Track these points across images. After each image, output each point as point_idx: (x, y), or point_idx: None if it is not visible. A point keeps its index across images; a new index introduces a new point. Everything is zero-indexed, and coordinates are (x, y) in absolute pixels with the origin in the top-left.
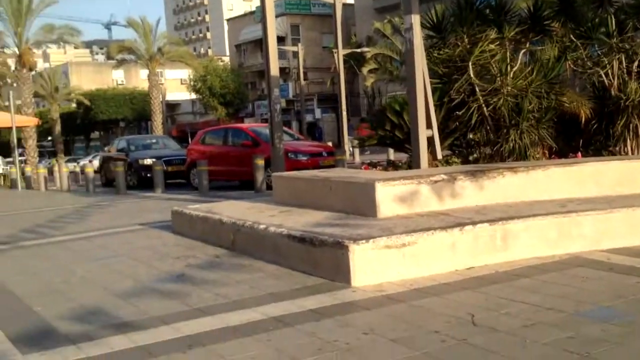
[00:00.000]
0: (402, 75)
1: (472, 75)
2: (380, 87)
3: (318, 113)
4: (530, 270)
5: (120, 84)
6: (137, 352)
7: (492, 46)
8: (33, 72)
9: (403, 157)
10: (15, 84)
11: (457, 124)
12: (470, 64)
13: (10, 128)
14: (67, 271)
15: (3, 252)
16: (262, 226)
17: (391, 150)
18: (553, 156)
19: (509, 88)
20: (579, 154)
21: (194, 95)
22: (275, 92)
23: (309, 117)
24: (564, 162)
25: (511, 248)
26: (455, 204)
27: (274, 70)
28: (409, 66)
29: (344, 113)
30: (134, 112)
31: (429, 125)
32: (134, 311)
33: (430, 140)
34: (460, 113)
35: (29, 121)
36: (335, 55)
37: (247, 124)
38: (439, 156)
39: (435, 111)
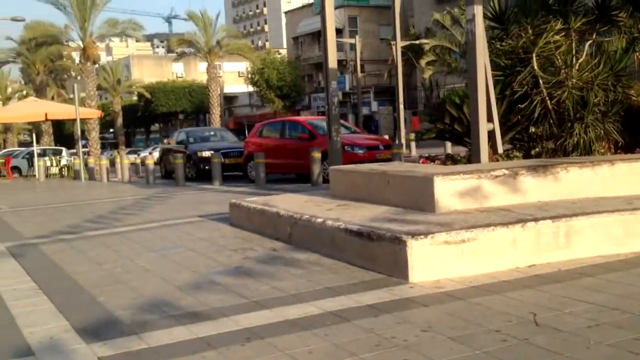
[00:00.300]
0: (462, 68)
1: (535, 68)
2: (439, 80)
3: (374, 106)
4: (594, 269)
5: (179, 77)
6: (197, 343)
7: (557, 37)
8: (96, 66)
9: (461, 150)
10: (79, 77)
11: (519, 117)
12: (534, 55)
13: (74, 120)
14: (129, 262)
15: (67, 242)
16: (319, 220)
17: (449, 144)
18: (619, 151)
19: (574, 80)
20: None
21: (251, 88)
22: (333, 85)
23: (365, 110)
24: (631, 157)
25: (575, 246)
26: (516, 199)
27: (332, 63)
28: (470, 58)
29: (401, 106)
30: (192, 105)
31: (489, 119)
32: (193, 302)
33: (491, 134)
34: (522, 106)
35: (93, 113)
36: (393, 47)
37: (304, 117)
38: (500, 150)
39: (497, 104)
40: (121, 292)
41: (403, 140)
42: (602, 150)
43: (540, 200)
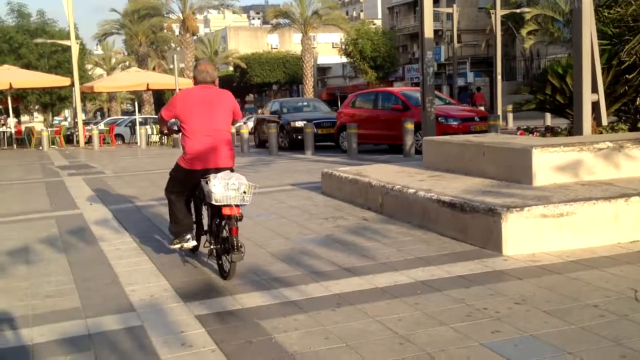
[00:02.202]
0: (565, 37)
1: None
2: (540, 50)
3: (470, 77)
4: None
5: (274, 48)
6: (289, 306)
7: None
8: (195, 37)
9: (562, 123)
10: (179, 48)
11: (626, 88)
12: None
13: (174, 90)
14: None
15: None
16: (411, 190)
17: (548, 116)
18: None
19: None
20: None
21: (344, 59)
22: (429, 55)
23: (460, 81)
24: None
25: None
26: (620, 173)
27: (428, 33)
28: (575, 26)
29: (499, 77)
30: (286, 76)
31: (594, 89)
32: (285, 268)
33: (595, 106)
34: (630, 77)
35: (191, 84)
36: (493, 16)
37: (398, 88)
38: (604, 122)
39: (602, 74)
40: None
41: (500, 112)
42: None
43: None
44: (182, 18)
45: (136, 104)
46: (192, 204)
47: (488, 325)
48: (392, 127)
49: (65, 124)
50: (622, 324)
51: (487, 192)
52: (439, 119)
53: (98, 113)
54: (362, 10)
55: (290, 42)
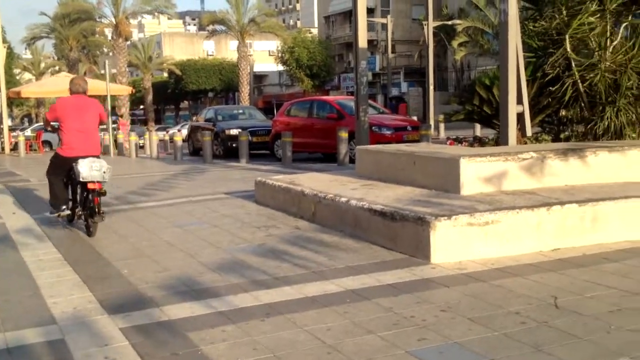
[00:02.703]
0: (494, 49)
1: (568, 50)
2: (470, 61)
3: (404, 87)
4: (620, 254)
5: (210, 55)
6: (217, 317)
7: (591, 19)
8: (128, 42)
9: (490, 133)
10: (111, 54)
11: (550, 100)
12: (567, 37)
13: (105, 96)
14: (154, 236)
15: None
16: (343, 199)
17: (478, 126)
18: None
19: (608, 63)
20: None
21: (281, 67)
22: (363, 65)
23: (394, 91)
24: None
25: (601, 230)
26: (543, 183)
27: (362, 42)
28: (502, 38)
29: (432, 87)
30: (222, 83)
31: (519, 101)
32: (215, 278)
33: (520, 117)
34: (553, 89)
35: (123, 90)
36: (425, 27)
37: (333, 97)
38: (529, 133)
39: (527, 86)
40: (145, 265)
41: (432, 122)
42: (634, 135)
43: (568, 184)
44: (114, 23)
45: None
46: (70, 185)
47: (414, 333)
48: (326, 135)
49: None
50: (542, 330)
51: (417, 201)
52: (373, 128)
53: (25, 119)
54: (298, 19)
55: (227, 49)
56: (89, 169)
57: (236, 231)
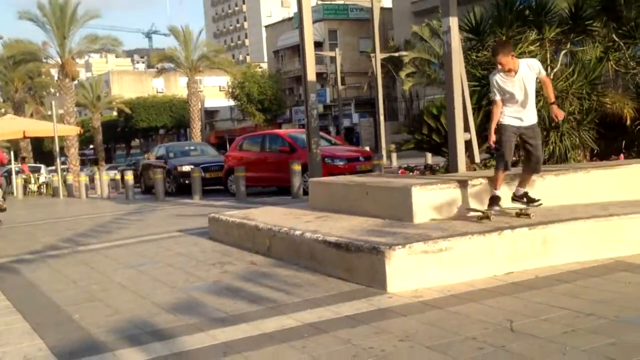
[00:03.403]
0: (440, 79)
1: None
2: (418, 91)
3: (355, 117)
4: (571, 276)
5: (160, 92)
6: (173, 359)
7: (531, 47)
8: (75, 82)
9: (441, 160)
10: (58, 94)
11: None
12: None
13: (53, 137)
14: (105, 278)
15: (43, 261)
16: (297, 232)
17: (429, 155)
18: (595, 159)
19: None
20: (622, 156)
21: (232, 102)
22: (312, 98)
23: (346, 122)
24: (605, 164)
25: (551, 253)
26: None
27: (311, 76)
28: (447, 69)
29: (382, 117)
30: (173, 120)
31: (466, 129)
32: (170, 319)
33: (468, 144)
34: None
35: (71, 130)
36: (373, 59)
37: (284, 130)
38: (477, 160)
39: (474, 114)
40: (97, 309)
41: (384, 152)
42: (578, 158)
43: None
44: (61, 63)
45: (12, 152)
46: None
47: None
48: (280, 169)
49: None
50: (499, 355)
51: (371, 231)
52: (325, 159)
53: None
54: (248, 54)
55: (177, 86)
56: None
57: (191, 269)
